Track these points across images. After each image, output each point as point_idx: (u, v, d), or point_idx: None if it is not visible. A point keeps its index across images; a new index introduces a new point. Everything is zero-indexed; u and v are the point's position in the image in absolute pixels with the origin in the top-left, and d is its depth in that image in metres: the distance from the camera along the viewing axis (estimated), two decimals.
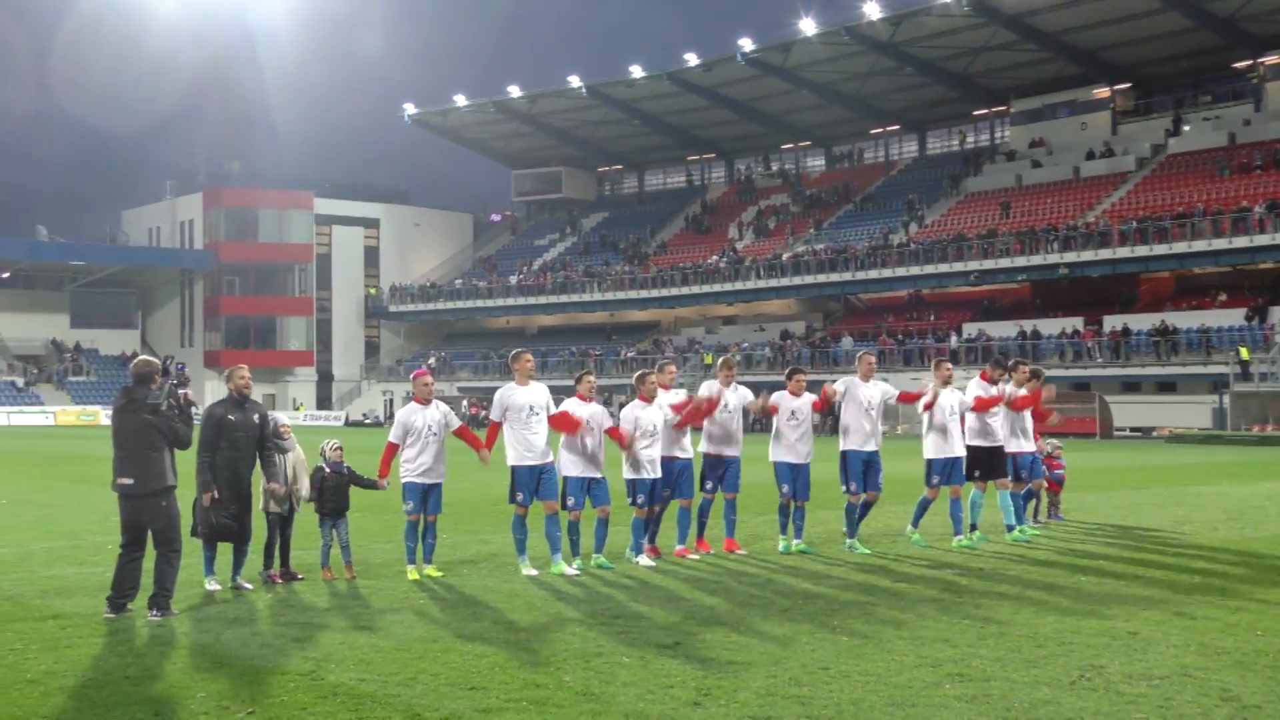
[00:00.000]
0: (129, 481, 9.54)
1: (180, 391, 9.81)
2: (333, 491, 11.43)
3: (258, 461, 10.91)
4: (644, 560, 12.16)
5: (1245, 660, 7.78)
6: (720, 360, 13.27)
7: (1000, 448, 14.08)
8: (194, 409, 9.85)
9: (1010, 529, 14.08)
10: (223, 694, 7.13)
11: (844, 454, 13.23)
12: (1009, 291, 61.46)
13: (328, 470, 11.47)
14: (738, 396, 13.07)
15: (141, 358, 10.00)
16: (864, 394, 13.25)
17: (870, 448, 13.18)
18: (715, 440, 13.03)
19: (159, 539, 9.63)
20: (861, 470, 13.12)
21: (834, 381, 13.61)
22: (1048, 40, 62.71)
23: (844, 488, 13.22)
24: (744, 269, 67.59)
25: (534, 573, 11.52)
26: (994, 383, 14.30)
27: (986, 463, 13.97)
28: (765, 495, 15.39)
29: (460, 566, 12.06)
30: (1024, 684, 7.21)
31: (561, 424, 11.84)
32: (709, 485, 13.04)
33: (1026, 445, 14.56)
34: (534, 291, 76.70)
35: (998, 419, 14.13)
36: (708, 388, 12.96)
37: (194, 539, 10.80)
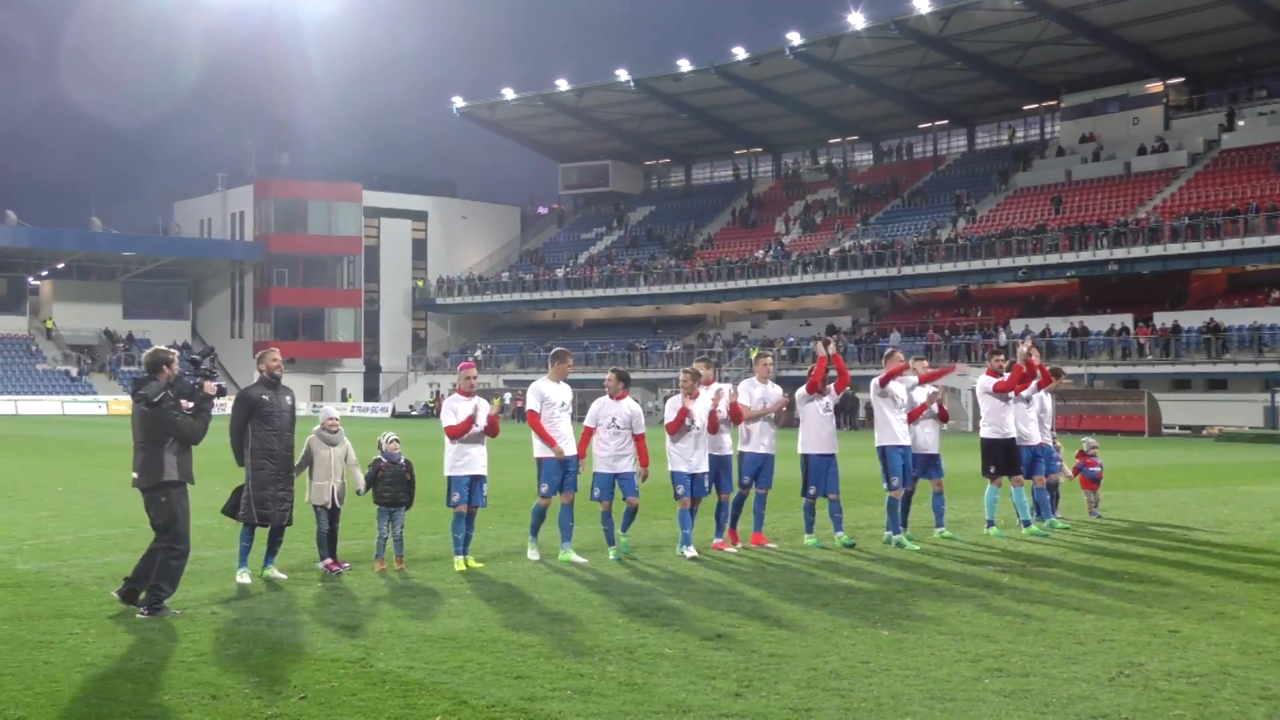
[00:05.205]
0: (134, 475, 9.38)
1: (202, 382, 9.39)
2: (389, 482, 11.63)
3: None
4: (689, 552, 12.30)
5: None
6: (755, 355, 13.50)
7: (1014, 440, 14.22)
8: (213, 400, 9.42)
9: (1026, 525, 14.19)
10: (275, 679, 7.31)
11: (881, 449, 13.39)
12: (1057, 288, 60.98)
13: (384, 461, 11.68)
14: (772, 394, 13.28)
15: (155, 347, 9.70)
16: (894, 390, 13.44)
17: (905, 442, 13.35)
18: (754, 438, 13.20)
19: (160, 536, 9.36)
20: (900, 465, 13.28)
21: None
22: (1100, 34, 62.10)
23: (885, 483, 13.37)
24: (790, 263, 67.45)
25: (536, 556, 12.12)
26: (999, 374, 14.43)
27: (1004, 457, 14.08)
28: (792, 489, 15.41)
29: (505, 558, 12.23)
30: (1062, 680, 7.27)
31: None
32: (745, 480, 13.22)
33: (1036, 438, 14.63)
34: (580, 285, 76.93)
35: (1009, 411, 14.25)
36: (745, 391, 13.14)
37: (243, 523, 10.95)
